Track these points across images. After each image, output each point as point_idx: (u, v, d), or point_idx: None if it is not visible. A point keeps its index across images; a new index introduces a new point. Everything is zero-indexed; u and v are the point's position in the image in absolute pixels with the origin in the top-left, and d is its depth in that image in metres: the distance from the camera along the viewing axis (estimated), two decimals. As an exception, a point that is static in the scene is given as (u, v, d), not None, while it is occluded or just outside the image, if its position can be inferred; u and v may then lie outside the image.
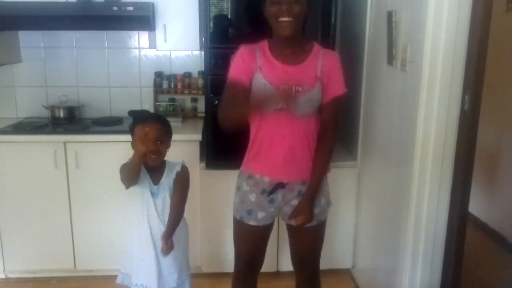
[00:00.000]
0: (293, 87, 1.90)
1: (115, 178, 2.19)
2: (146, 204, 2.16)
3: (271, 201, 2.07)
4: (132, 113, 2.22)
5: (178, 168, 2.19)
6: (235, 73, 1.98)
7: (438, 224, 2.21)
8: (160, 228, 2.17)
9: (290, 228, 2.17)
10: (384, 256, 2.58)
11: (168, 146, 2.17)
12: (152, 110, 3.36)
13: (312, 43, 2.04)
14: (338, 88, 2.01)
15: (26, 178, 2.93)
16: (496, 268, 3.28)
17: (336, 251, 3.11)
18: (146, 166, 2.16)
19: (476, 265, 3.16)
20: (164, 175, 2.17)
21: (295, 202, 2.07)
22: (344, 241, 3.11)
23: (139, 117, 2.18)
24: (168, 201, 2.18)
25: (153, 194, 2.16)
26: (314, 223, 2.09)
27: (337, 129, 2.10)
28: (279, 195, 2.06)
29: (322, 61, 1.97)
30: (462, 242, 2.22)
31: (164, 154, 2.15)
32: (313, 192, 2.03)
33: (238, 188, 2.14)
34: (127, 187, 2.15)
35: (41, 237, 3.02)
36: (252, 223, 2.10)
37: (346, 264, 3.16)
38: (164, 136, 2.12)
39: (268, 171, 2.04)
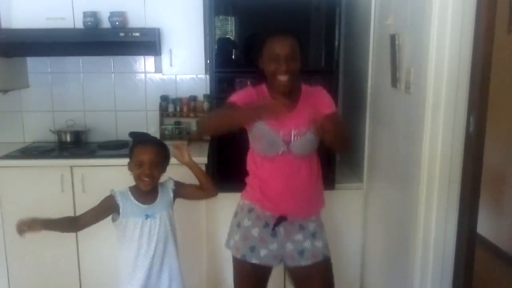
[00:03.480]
0: (292, 131, 1.97)
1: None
2: (139, 229, 2.12)
3: (274, 235, 2.06)
4: (132, 135, 2.24)
5: (171, 185, 2.19)
6: (239, 99, 2.02)
7: (446, 245, 2.19)
8: (149, 255, 2.13)
9: (295, 269, 2.12)
10: (393, 278, 2.55)
11: (163, 171, 2.17)
12: (158, 134, 3.38)
13: (300, 85, 2.08)
14: (326, 108, 2.04)
15: (33, 202, 2.93)
16: (506, 289, 3.24)
17: (344, 273, 3.08)
18: (137, 192, 2.15)
19: (485, 285, 3.12)
20: (159, 196, 2.16)
21: (298, 237, 2.06)
22: (352, 263, 3.08)
23: (138, 140, 2.19)
24: (166, 221, 2.15)
25: (148, 216, 2.12)
26: (320, 258, 2.07)
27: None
28: (281, 229, 2.05)
29: (312, 102, 2.03)
30: (471, 263, 2.20)
31: (158, 179, 2.14)
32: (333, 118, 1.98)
33: (238, 225, 2.13)
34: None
35: (47, 263, 3.01)
36: (254, 261, 2.07)
37: (354, 286, 3.12)
38: (160, 161, 2.12)
39: (269, 205, 2.05)
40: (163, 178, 2.23)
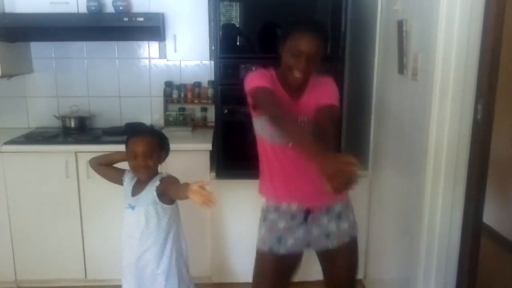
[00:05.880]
0: (300, 119, 1.91)
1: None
2: (125, 215, 2.15)
3: (301, 223, 2.02)
4: (127, 125, 2.23)
5: (156, 183, 2.10)
6: (262, 82, 1.90)
7: (451, 234, 2.18)
8: (132, 244, 2.12)
9: (322, 252, 2.10)
10: (397, 267, 2.55)
11: (159, 161, 2.14)
12: (162, 120, 3.38)
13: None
14: (327, 99, 1.92)
15: (38, 188, 2.95)
16: (511, 278, 3.23)
17: (348, 261, 3.08)
18: (138, 180, 2.17)
19: (491, 275, 3.10)
20: (145, 190, 2.11)
21: (323, 220, 2.01)
22: (356, 251, 3.08)
23: (132, 132, 2.19)
24: (147, 216, 2.09)
25: (130, 206, 2.13)
26: (346, 238, 2.04)
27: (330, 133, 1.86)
28: (309, 216, 2.02)
29: (318, 91, 1.94)
30: (477, 252, 2.19)
31: (154, 168, 2.12)
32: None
33: (264, 219, 2.07)
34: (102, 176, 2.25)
35: (52, 247, 3.03)
36: (282, 251, 2.02)
37: (358, 274, 3.12)
38: (154, 151, 2.09)
39: (295, 198, 2.00)
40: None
